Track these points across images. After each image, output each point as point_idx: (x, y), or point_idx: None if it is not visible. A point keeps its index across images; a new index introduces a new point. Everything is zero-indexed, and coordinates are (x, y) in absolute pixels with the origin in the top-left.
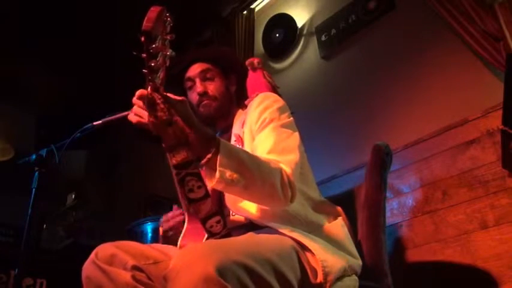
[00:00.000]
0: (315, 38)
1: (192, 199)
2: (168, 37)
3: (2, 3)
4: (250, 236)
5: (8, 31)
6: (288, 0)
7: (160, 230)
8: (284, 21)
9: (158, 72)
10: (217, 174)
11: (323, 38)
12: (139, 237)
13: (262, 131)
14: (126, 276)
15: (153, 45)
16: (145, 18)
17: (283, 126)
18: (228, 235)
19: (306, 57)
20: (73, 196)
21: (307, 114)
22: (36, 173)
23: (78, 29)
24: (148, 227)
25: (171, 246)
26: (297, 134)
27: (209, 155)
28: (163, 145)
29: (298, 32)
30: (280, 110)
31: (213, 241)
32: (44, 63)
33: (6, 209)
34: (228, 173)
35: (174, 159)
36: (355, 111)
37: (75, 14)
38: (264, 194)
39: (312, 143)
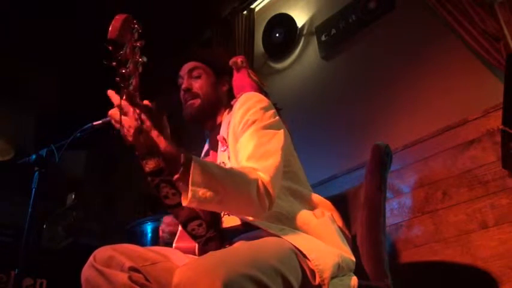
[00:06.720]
0: (315, 38)
1: (169, 205)
2: (138, 44)
3: (2, 3)
4: (250, 244)
5: (8, 31)
6: (288, 0)
7: (161, 230)
8: (284, 21)
9: (130, 79)
10: (190, 194)
11: (323, 38)
12: (139, 237)
13: (245, 133)
14: (123, 277)
15: (121, 53)
16: (110, 27)
17: (266, 127)
18: (214, 238)
19: (306, 57)
20: (73, 196)
21: (307, 114)
22: (36, 173)
23: (79, 29)
24: (148, 227)
25: (168, 248)
26: (281, 133)
27: (177, 176)
28: (136, 153)
29: (298, 32)
30: (264, 110)
31: (216, 254)
32: (44, 63)
33: (6, 209)
34: (201, 191)
35: (147, 167)
36: (355, 111)
37: (76, 13)
38: (240, 205)
39: (312, 143)
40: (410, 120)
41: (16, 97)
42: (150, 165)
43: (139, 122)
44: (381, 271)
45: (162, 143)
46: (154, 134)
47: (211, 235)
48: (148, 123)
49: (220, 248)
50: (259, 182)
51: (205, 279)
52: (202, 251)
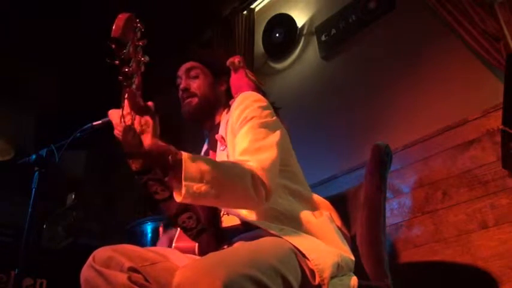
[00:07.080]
0: (315, 38)
1: (159, 200)
2: (140, 43)
3: (2, 3)
4: (249, 245)
5: (8, 31)
6: (288, 0)
7: (160, 230)
8: (284, 21)
9: (133, 78)
10: (184, 189)
11: (323, 38)
12: (139, 237)
13: (242, 129)
14: (122, 277)
15: (124, 51)
16: (114, 25)
17: (263, 125)
18: (206, 230)
19: (306, 57)
20: (73, 196)
21: (307, 114)
22: (36, 173)
23: (79, 29)
24: (148, 227)
25: (168, 248)
26: (277, 132)
27: (166, 178)
28: (124, 151)
29: (298, 32)
30: (261, 108)
31: (216, 255)
32: (44, 63)
33: (6, 209)
34: (195, 186)
35: (134, 166)
36: (355, 111)
37: (76, 13)
38: (236, 198)
39: (312, 143)
40: (410, 120)
41: (16, 97)
42: (136, 164)
43: (131, 119)
44: (381, 271)
45: (147, 141)
46: (142, 133)
47: (202, 227)
48: (137, 122)
49: (212, 240)
50: (253, 173)
51: (206, 280)
52: (199, 248)
